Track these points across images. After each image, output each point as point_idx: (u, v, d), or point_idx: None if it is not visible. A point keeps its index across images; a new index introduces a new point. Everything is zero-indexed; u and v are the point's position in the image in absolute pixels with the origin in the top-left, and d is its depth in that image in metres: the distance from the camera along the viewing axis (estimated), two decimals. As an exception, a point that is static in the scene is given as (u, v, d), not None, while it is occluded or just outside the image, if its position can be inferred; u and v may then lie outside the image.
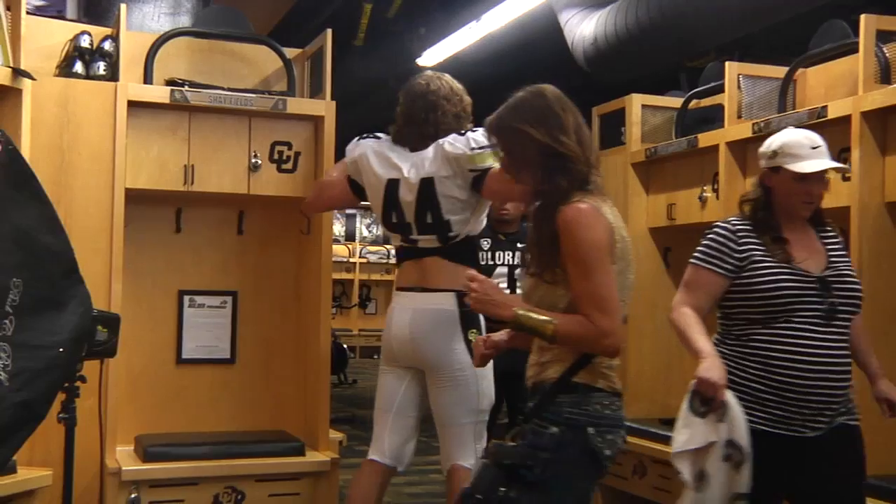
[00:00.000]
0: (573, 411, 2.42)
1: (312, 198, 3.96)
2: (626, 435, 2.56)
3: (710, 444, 2.82)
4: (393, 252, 17.00)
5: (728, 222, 3.11)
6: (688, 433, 2.85)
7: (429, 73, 3.62)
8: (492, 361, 3.38)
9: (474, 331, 3.40)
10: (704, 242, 3.09)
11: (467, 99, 3.56)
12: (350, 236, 17.35)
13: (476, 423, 3.44)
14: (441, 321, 3.39)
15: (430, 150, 3.44)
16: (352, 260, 16.61)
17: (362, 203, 3.74)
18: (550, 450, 2.39)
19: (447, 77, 3.57)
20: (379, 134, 3.62)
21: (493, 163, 3.32)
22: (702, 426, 2.83)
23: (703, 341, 2.92)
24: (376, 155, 3.53)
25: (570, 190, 2.45)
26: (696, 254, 3.10)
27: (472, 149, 3.36)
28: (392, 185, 3.48)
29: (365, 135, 3.64)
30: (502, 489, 2.35)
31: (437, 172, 3.40)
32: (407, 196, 3.44)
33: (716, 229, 3.10)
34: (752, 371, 2.95)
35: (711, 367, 2.80)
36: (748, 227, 3.06)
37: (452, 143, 3.40)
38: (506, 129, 2.53)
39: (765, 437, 2.86)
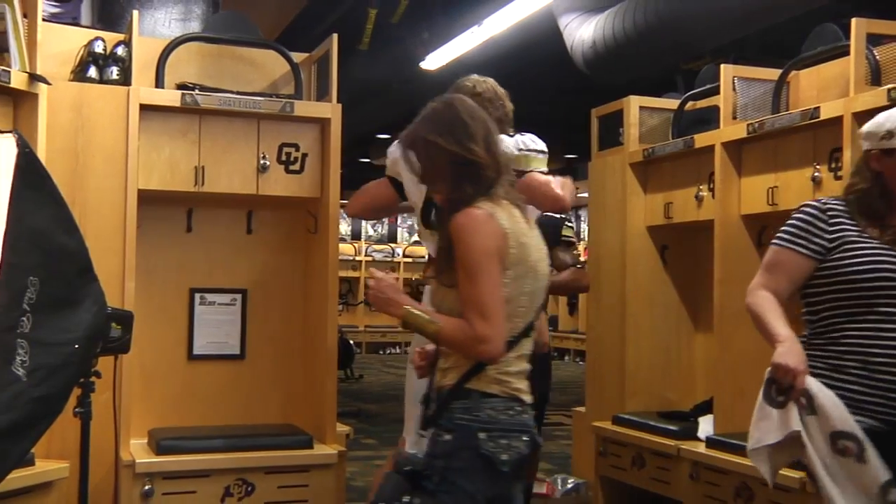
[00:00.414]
0: (464, 417, 2.38)
1: (353, 198, 3.90)
2: (530, 439, 2.43)
3: (791, 437, 2.53)
4: (398, 251, 17.14)
5: (818, 201, 2.76)
6: (764, 426, 2.59)
7: (475, 76, 3.59)
8: None
9: None
10: (790, 222, 2.76)
11: (509, 105, 3.55)
12: (356, 235, 17.39)
13: None
14: None
15: None
16: (358, 258, 16.66)
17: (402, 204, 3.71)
18: (444, 457, 2.36)
19: (492, 81, 3.55)
20: None
21: (534, 167, 3.38)
22: (780, 417, 2.55)
23: (779, 324, 2.63)
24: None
25: (475, 196, 2.41)
26: (779, 234, 2.77)
27: (520, 150, 3.40)
28: None
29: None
30: (406, 497, 2.32)
31: None
32: None
33: (804, 208, 2.76)
34: (849, 372, 2.60)
35: (788, 351, 2.55)
36: (841, 207, 2.71)
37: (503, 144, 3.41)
38: (417, 141, 2.51)
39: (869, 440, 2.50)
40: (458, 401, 2.39)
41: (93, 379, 2.98)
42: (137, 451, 3.91)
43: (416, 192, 3.50)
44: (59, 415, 2.78)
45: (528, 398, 2.48)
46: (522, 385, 2.47)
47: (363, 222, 17.46)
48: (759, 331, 2.72)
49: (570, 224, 4.40)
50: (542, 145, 3.51)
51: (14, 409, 2.58)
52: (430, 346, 2.59)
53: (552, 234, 4.16)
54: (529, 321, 2.47)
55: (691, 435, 4.55)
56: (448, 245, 2.40)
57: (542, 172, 3.45)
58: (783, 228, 2.76)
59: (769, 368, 2.58)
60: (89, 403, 3.00)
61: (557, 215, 4.36)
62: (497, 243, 2.37)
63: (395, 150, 3.62)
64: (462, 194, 2.42)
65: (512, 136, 3.44)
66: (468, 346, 2.37)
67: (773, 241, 2.78)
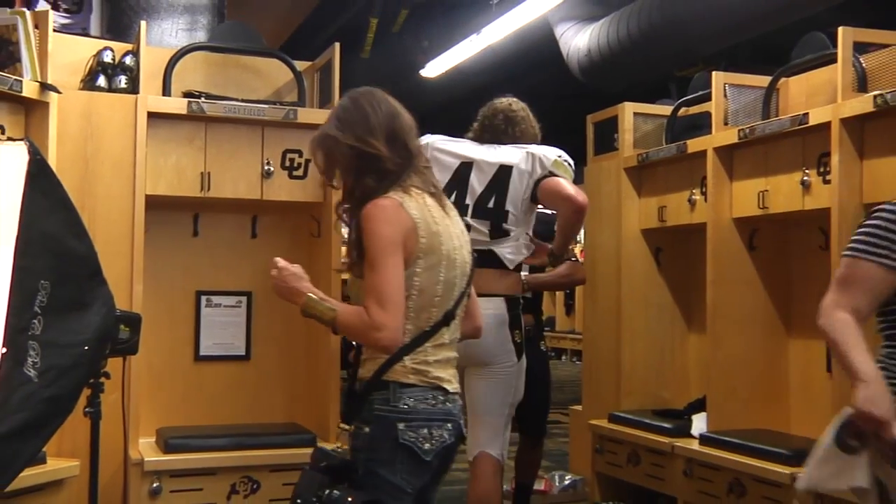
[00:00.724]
0: (382, 409, 2.34)
1: None
2: (455, 427, 2.40)
3: (859, 490, 2.26)
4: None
5: (893, 203, 2.37)
6: (826, 471, 2.32)
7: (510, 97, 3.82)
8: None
9: (518, 331, 3.55)
10: (866, 229, 2.36)
11: (539, 131, 3.80)
12: (358, 238, 17.35)
13: (507, 416, 3.53)
14: (493, 324, 3.42)
15: (510, 147, 3.62)
16: (360, 261, 16.62)
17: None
18: (366, 450, 2.34)
19: (524, 105, 3.80)
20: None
21: (563, 174, 3.55)
22: (846, 465, 2.27)
23: (863, 360, 2.25)
24: (450, 142, 3.67)
25: (379, 188, 2.38)
26: (853, 243, 2.38)
27: (560, 155, 3.58)
28: (465, 167, 3.59)
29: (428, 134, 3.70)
30: (326, 490, 2.28)
31: (518, 164, 3.54)
32: (478, 177, 3.55)
33: (881, 213, 2.36)
34: None
35: (874, 396, 2.20)
36: None
37: (540, 147, 3.60)
38: (320, 137, 2.48)
39: None
40: (376, 392, 2.35)
41: (102, 379, 2.98)
42: (146, 449, 3.93)
43: (446, 174, 3.57)
44: (70, 414, 2.79)
45: (452, 387, 2.42)
46: (445, 374, 2.41)
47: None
48: (837, 359, 2.38)
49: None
50: (564, 155, 3.66)
51: (26, 409, 2.59)
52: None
53: (545, 230, 4.17)
54: (448, 309, 2.41)
55: (685, 432, 4.56)
56: (358, 235, 2.37)
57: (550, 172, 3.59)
58: (857, 237, 2.38)
59: (846, 409, 2.29)
60: (99, 403, 3.01)
61: (550, 212, 4.35)
62: (404, 233, 2.33)
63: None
64: (364, 186, 2.40)
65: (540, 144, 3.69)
66: (364, 334, 2.32)
67: (847, 251, 2.40)
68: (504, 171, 3.53)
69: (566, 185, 3.56)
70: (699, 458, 4.30)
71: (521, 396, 3.57)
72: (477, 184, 3.54)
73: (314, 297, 2.42)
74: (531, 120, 3.79)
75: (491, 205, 3.51)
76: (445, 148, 3.65)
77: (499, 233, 3.53)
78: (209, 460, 3.90)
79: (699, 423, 4.55)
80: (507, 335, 3.49)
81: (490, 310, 3.41)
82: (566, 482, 5.37)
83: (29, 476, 3.23)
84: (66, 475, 3.56)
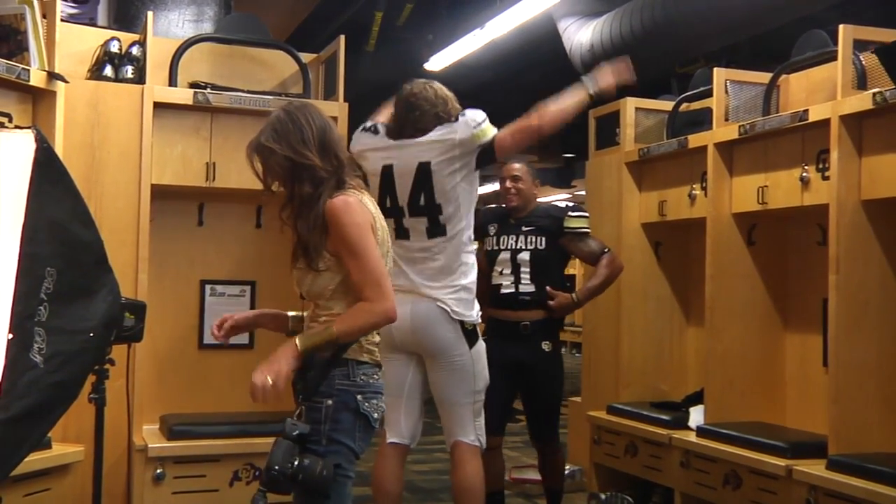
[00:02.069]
0: (344, 383, 2.51)
1: None
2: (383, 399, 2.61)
3: None
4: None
5: None
6: None
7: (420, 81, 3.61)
8: (486, 349, 3.51)
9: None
10: None
11: (453, 105, 3.55)
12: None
13: (473, 403, 3.50)
14: (439, 313, 3.42)
15: (424, 139, 3.45)
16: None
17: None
18: (329, 421, 2.49)
19: (435, 84, 3.57)
20: (370, 125, 3.63)
21: (494, 132, 3.43)
22: None
23: None
24: (371, 149, 3.57)
25: (316, 193, 2.51)
26: None
27: (474, 128, 3.42)
28: (387, 170, 3.50)
29: (362, 127, 3.65)
30: (297, 459, 2.40)
31: (433, 159, 3.42)
32: (401, 178, 3.47)
33: None
34: None
35: None
36: None
37: (453, 130, 3.42)
38: (257, 147, 2.62)
39: None
40: (337, 369, 2.50)
41: (107, 366, 2.99)
42: (150, 436, 3.93)
43: (374, 181, 3.53)
44: (75, 400, 2.79)
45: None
46: (380, 353, 2.63)
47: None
48: None
49: (578, 214, 4.26)
50: (482, 115, 3.48)
51: (31, 394, 2.59)
52: (240, 315, 2.78)
53: (554, 226, 4.15)
54: None
55: (682, 424, 4.56)
56: (317, 233, 2.49)
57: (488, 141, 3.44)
58: None
59: None
60: (104, 390, 3.01)
61: (562, 204, 4.36)
62: (370, 224, 2.52)
63: (353, 141, 3.65)
64: (303, 193, 2.53)
65: (457, 119, 3.44)
66: (374, 320, 2.49)
67: None
68: (423, 169, 3.43)
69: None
70: (696, 450, 4.30)
71: (486, 382, 3.53)
72: (403, 185, 3.46)
73: (302, 342, 2.48)
74: (438, 98, 3.50)
75: (422, 202, 3.44)
76: (367, 157, 3.55)
77: (437, 230, 3.44)
78: (212, 447, 3.92)
79: (696, 416, 4.55)
80: (455, 325, 3.42)
81: (432, 301, 3.42)
82: (565, 472, 5.37)
83: (34, 461, 3.25)
84: (70, 460, 3.58)
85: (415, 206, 3.47)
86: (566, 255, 4.32)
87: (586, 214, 4.31)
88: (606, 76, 3.62)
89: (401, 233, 3.50)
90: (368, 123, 3.65)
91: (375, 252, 2.48)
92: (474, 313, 3.49)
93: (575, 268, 11.65)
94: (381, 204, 3.51)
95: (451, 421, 3.51)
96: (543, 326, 4.19)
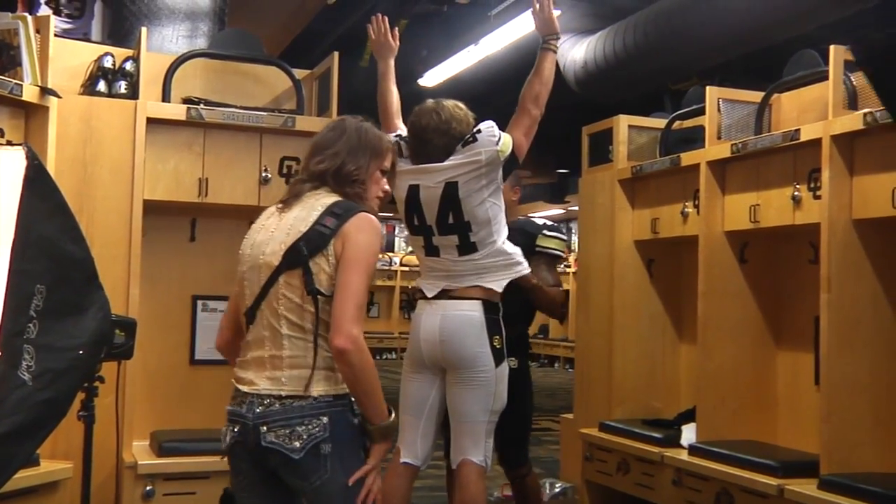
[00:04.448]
0: None
1: None
2: (234, 429, 2.45)
3: None
4: (395, 260, 17.13)
5: None
6: None
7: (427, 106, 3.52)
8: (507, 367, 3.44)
9: (498, 337, 3.38)
10: None
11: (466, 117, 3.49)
12: (355, 244, 17.34)
13: (489, 422, 3.40)
14: (469, 326, 3.35)
15: (448, 163, 3.38)
16: (357, 266, 16.62)
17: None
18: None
19: (441, 108, 3.47)
20: (393, 139, 3.48)
21: (511, 140, 3.37)
22: None
23: None
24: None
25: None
26: None
27: (496, 145, 3.34)
28: (413, 190, 3.43)
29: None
30: None
31: (461, 178, 3.34)
32: (428, 197, 3.39)
33: None
34: None
35: None
36: None
37: (477, 151, 3.34)
38: None
39: None
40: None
41: (97, 383, 2.98)
42: (139, 452, 3.91)
43: (400, 200, 3.50)
44: (64, 418, 2.77)
45: (243, 387, 2.46)
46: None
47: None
48: None
49: (554, 235, 4.08)
50: (493, 126, 3.42)
51: (20, 412, 2.57)
52: None
53: (527, 242, 3.90)
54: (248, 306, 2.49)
55: (674, 442, 4.55)
56: None
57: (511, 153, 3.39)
58: None
59: None
60: (93, 407, 3.00)
61: (540, 221, 4.19)
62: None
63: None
64: None
65: (476, 139, 3.36)
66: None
67: None
68: (450, 188, 3.35)
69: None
70: (688, 468, 4.29)
71: (503, 404, 3.48)
72: (430, 205, 3.39)
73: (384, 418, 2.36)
74: (447, 127, 3.41)
75: (451, 220, 3.38)
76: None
77: (467, 248, 3.38)
78: (202, 464, 3.88)
79: (688, 434, 4.54)
80: (483, 340, 3.34)
81: (463, 311, 3.36)
82: (556, 489, 5.36)
83: (22, 478, 3.22)
84: (59, 477, 3.55)
85: (443, 224, 3.40)
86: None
87: (562, 237, 4.17)
88: (548, 24, 3.62)
89: (430, 251, 3.44)
90: (391, 136, 3.50)
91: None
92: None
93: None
94: (409, 222, 3.49)
95: (463, 438, 3.41)
96: (509, 342, 3.65)
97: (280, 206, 2.55)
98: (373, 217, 2.42)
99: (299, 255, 2.38)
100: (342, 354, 2.26)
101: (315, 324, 2.33)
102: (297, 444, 2.30)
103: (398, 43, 3.78)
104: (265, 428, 2.34)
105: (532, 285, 3.90)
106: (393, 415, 2.38)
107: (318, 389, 2.32)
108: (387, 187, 2.59)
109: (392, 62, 3.76)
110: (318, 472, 2.30)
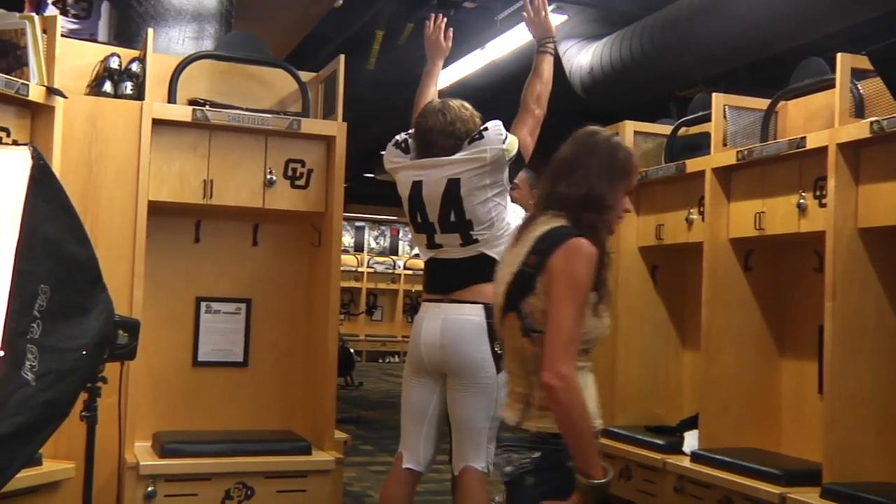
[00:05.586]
0: None
1: None
2: None
3: None
4: (399, 263, 17.13)
5: None
6: None
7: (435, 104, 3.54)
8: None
9: (498, 342, 3.36)
10: None
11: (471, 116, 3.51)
12: (359, 247, 17.36)
13: (490, 429, 3.37)
14: (471, 331, 3.34)
15: (454, 157, 3.38)
16: (360, 270, 16.65)
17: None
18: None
19: (448, 108, 3.49)
20: (401, 139, 3.56)
21: (517, 140, 3.40)
22: None
23: None
24: (402, 167, 3.52)
25: None
26: None
27: (502, 144, 3.36)
28: (416, 186, 3.45)
29: (393, 141, 3.58)
30: None
31: (464, 175, 3.35)
32: (430, 194, 3.40)
33: None
34: None
35: None
36: None
37: (483, 149, 3.35)
38: None
39: None
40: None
41: (99, 384, 2.97)
42: (141, 453, 3.91)
43: (404, 195, 3.50)
44: (66, 418, 2.77)
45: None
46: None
47: (366, 235, 17.45)
48: None
49: None
50: (500, 125, 3.44)
51: (23, 412, 2.57)
52: None
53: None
54: None
55: (677, 449, 4.54)
56: None
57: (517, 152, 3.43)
58: None
59: None
60: (95, 408, 2.99)
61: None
62: None
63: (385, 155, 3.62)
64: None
65: (482, 136, 3.37)
66: None
67: None
68: (452, 185, 3.36)
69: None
70: (690, 476, 4.28)
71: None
72: (432, 201, 3.40)
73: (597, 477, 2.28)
74: (452, 128, 3.43)
75: (453, 218, 3.39)
76: (397, 168, 3.52)
77: (469, 242, 3.39)
78: (204, 466, 3.88)
79: (691, 441, 4.53)
80: (485, 345, 3.33)
81: (465, 315, 3.35)
82: None
83: (24, 478, 3.23)
84: (61, 477, 3.55)
85: (445, 222, 3.41)
86: None
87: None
88: (543, 28, 3.71)
89: (433, 249, 3.47)
90: (400, 137, 3.57)
91: None
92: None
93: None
94: (413, 220, 3.51)
95: (465, 444, 3.40)
96: None
97: (515, 236, 2.52)
98: (581, 243, 2.34)
99: (512, 298, 2.42)
100: (549, 391, 2.27)
101: (534, 361, 2.36)
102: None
103: (450, 45, 3.82)
104: None
105: None
106: (610, 474, 2.27)
107: (534, 425, 2.38)
108: (629, 206, 2.55)
109: (440, 64, 3.85)
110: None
